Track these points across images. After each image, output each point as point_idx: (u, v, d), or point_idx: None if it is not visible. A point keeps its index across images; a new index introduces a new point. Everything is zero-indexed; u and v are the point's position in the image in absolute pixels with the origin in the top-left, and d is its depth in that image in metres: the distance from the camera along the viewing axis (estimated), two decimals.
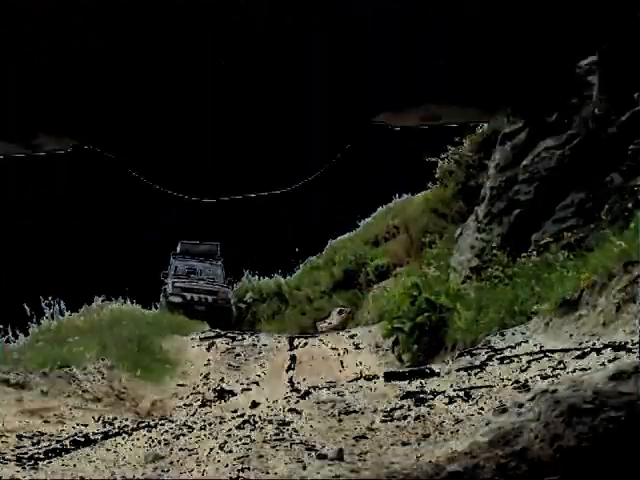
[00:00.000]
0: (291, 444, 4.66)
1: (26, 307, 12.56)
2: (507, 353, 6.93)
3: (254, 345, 13.18)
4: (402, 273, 15.75)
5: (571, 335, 6.93)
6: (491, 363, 6.58)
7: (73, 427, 6.77)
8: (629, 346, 5.27)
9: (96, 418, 7.40)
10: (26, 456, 5.03)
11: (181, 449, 4.89)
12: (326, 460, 4.23)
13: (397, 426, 4.88)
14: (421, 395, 5.53)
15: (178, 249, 21.21)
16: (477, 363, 6.80)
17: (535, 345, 7.01)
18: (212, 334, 14.51)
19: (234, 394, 9.79)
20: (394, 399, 5.59)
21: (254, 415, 6.23)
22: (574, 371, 5.13)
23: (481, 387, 5.40)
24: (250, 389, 10.16)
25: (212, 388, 10.33)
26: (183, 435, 5.48)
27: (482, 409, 4.79)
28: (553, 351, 6.26)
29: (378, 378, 6.83)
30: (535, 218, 10.31)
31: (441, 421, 4.78)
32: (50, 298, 12.99)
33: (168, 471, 4.35)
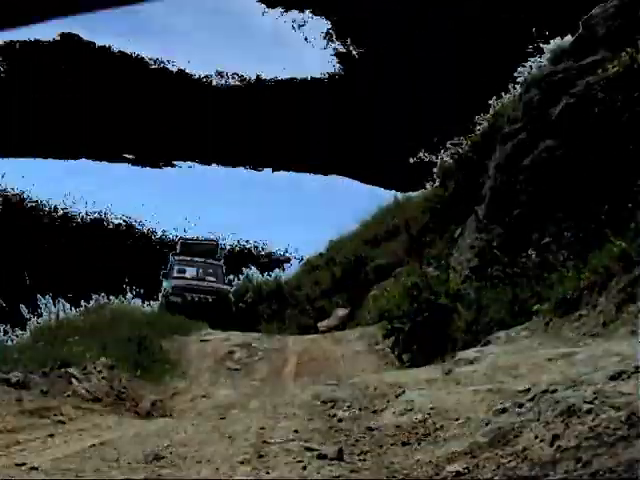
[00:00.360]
0: (291, 444, 4.66)
1: (24, 307, 12.57)
2: (506, 353, 6.93)
3: (254, 345, 13.17)
4: (402, 273, 15.72)
5: (571, 335, 6.94)
6: (491, 363, 6.58)
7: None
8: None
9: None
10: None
11: (181, 449, 4.89)
12: (326, 460, 4.23)
13: (397, 426, 4.89)
14: (421, 395, 5.53)
15: (178, 248, 21.18)
16: (477, 363, 6.79)
17: (535, 345, 7.02)
18: (212, 334, 14.50)
19: (233, 394, 9.79)
20: (394, 399, 5.59)
21: (254, 415, 6.23)
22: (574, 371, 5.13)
23: (481, 387, 5.40)
24: (250, 389, 10.16)
25: (212, 388, 10.34)
26: (183, 435, 5.48)
27: (482, 409, 4.79)
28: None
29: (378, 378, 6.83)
30: (535, 218, 10.31)
31: (441, 421, 4.78)
32: (50, 297, 12.99)
33: (168, 471, 4.35)
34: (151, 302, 18.76)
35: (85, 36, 36.07)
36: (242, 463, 4.35)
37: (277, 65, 39.71)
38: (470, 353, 7.53)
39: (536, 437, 3.83)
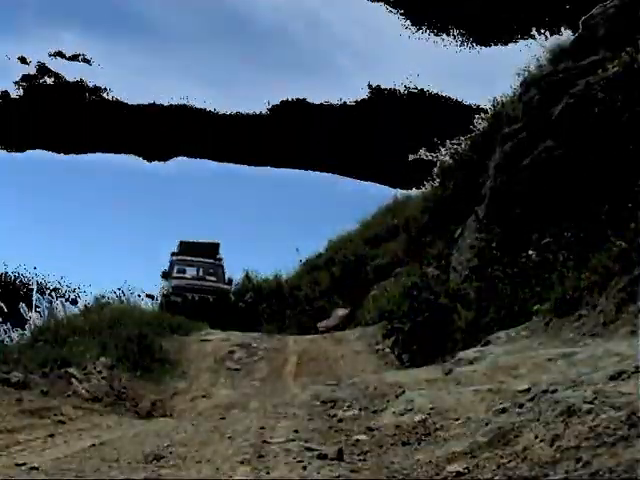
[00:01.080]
0: (291, 444, 4.66)
1: (24, 306, 12.57)
2: (506, 353, 6.93)
3: (254, 345, 13.17)
4: (402, 273, 15.72)
5: (571, 335, 6.94)
6: (491, 363, 6.58)
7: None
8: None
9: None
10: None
11: (181, 449, 4.89)
12: (326, 460, 4.23)
13: (397, 426, 4.88)
14: (421, 395, 5.53)
15: (178, 248, 21.15)
16: (477, 363, 6.80)
17: (535, 345, 7.02)
18: (212, 334, 14.49)
19: (233, 394, 9.79)
20: (394, 399, 5.59)
21: (254, 415, 6.23)
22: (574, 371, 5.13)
23: (481, 387, 5.40)
24: (250, 389, 10.16)
25: (212, 388, 10.34)
26: (183, 435, 5.48)
27: (482, 409, 4.79)
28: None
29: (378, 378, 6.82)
30: (535, 218, 10.30)
31: (441, 421, 4.78)
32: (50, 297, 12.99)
33: (168, 471, 4.35)
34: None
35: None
36: (242, 463, 4.35)
37: None
38: (470, 353, 7.53)
39: (536, 437, 3.83)
